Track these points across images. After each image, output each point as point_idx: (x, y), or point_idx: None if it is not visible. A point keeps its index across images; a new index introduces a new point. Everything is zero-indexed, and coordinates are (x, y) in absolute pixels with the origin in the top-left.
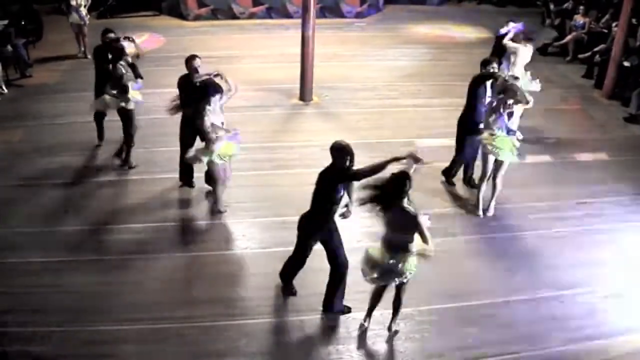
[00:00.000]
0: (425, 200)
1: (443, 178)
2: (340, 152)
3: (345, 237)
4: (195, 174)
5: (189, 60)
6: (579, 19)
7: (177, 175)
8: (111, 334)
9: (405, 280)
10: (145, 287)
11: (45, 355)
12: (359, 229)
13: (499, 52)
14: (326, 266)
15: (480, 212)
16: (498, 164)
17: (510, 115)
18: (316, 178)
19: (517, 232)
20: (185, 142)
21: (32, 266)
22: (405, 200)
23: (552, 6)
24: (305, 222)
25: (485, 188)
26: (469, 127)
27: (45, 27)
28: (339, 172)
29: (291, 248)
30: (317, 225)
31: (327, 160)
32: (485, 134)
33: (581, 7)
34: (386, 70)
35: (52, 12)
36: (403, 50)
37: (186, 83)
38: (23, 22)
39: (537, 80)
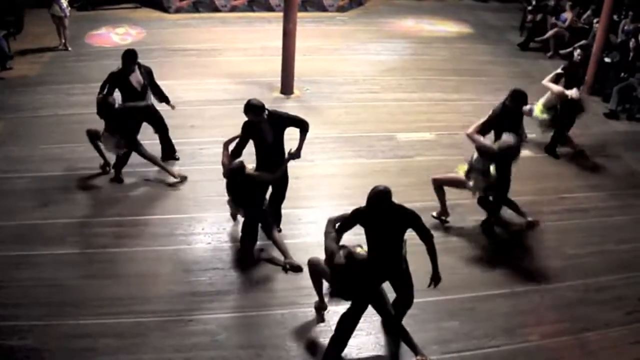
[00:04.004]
0: (406, 194)
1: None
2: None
3: (318, 234)
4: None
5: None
6: (565, 14)
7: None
8: (92, 327)
9: None
10: (126, 281)
11: (26, 349)
12: None
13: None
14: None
15: None
16: None
17: None
18: None
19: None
20: None
21: (12, 259)
22: None
23: (533, 1)
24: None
25: None
26: None
27: (26, 19)
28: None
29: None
30: None
31: (307, 154)
32: None
33: (569, 3)
34: (367, 64)
35: (33, 4)
36: (385, 44)
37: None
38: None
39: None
